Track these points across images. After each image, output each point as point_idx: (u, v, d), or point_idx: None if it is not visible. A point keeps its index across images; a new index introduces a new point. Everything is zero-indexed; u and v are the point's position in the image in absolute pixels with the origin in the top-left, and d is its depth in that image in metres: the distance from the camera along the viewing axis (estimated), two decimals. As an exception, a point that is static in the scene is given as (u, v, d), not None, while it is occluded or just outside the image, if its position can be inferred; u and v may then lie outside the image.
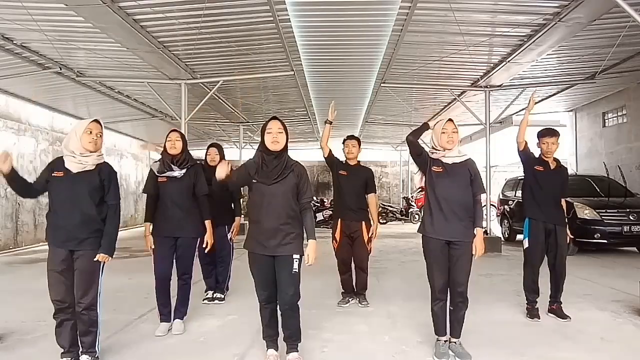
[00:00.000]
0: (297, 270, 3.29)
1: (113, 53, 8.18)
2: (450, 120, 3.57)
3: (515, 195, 11.16)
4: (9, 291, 6.27)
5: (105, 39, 7.36)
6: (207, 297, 5.32)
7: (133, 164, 18.21)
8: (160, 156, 4.37)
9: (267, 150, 3.32)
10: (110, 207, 3.39)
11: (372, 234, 5.15)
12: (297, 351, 3.42)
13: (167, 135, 4.26)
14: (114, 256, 3.41)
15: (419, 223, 3.72)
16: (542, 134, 4.65)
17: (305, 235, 3.38)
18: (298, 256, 3.30)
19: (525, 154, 4.70)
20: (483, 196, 3.86)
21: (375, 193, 5.31)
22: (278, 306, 3.41)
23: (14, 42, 7.70)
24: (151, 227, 4.19)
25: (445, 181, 3.49)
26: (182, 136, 4.27)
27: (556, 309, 4.61)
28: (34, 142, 11.77)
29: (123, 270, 7.45)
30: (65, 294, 3.29)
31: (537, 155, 4.75)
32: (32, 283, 6.64)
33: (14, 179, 3.29)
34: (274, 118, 3.41)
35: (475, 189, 3.53)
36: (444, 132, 3.54)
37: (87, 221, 3.27)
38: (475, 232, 3.48)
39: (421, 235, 3.62)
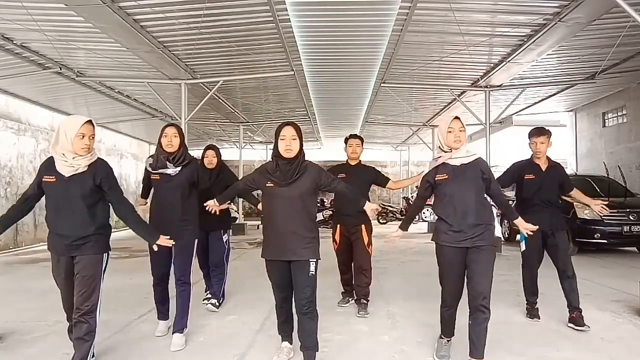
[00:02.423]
0: (313, 273, 3.25)
1: (113, 53, 8.19)
2: (456, 118, 3.37)
3: (515, 196, 11.16)
4: (9, 291, 6.27)
5: (105, 39, 7.37)
6: (207, 297, 5.31)
7: (133, 164, 18.20)
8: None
9: (281, 157, 3.27)
10: (115, 204, 3.30)
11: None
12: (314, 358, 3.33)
13: (163, 130, 3.90)
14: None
15: (433, 231, 3.54)
16: (531, 134, 4.56)
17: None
18: (315, 259, 3.27)
19: (510, 179, 4.62)
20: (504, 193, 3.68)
21: (390, 180, 5.18)
22: (295, 309, 3.37)
23: (14, 42, 7.71)
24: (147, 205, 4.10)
25: (453, 186, 3.30)
26: (180, 131, 3.92)
27: (576, 317, 4.31)
28: (34, 142, 11.78)
29: (123, 270, 7.45)
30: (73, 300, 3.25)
31: (527, 158, 4.65)
32: (32, 283, 6.64)
33: (5, 226, 3.27)
34: (288, 124, 3.30)
35: (493, 189, 3.38)
36: (450, 131, 3.31)
37: (83, 226, 3.15)
38: (516, 222, 3.45)
39: (434, 243, 3.46)
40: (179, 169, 3.86)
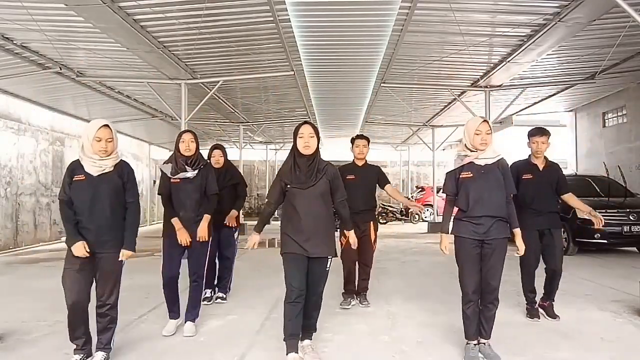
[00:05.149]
0: (328, 269, 3.52)
1: (113, 53, 8.19)
2: (485, 121, 3.50)
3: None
4: (9, 291, 6.27)
5: (105, 39, 7.37)
6: (205, 297, 5.27)
7: (133, 164, 18.13)
8: (168, 156, 4.37)
9: (299, 154, 3.47)
10: (130, 204, 3.47)
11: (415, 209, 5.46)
12: (311, 339, 3.63)
13: (180, 136, 4.23)
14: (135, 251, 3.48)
15: (452, 224, 3.63)
16: (532, 133, 4.59)
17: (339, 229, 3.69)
18: (331, 258, 3.50)
19: (516, 182, 4.51)
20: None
21: (390, 183, 5.38)
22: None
23: (14, 42, 7.70)
24: (175, 223, 4.12)
25: (477, 184, 3.44)
26: (196, 137, 4.27)
27: (547, 307, 4.56)
28: (34, 142, 11.78)
29: (123, 270, 7.43)
30: (82, 295, 3.32)
31: (525, 158, 4.67)
32: (32, 283, 6.64)
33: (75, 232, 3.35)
34: (306, 122, 3.53)
35: (507, 189, 3.51)
36: (477, 134, 3.45)
37: (110, 223, 3.34)
38: (514, 231, 3.50)
39: (454, 235, 3.57)
40: (196, 171, 4.18)
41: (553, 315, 4.51)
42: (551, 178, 4.55)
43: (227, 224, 5.28)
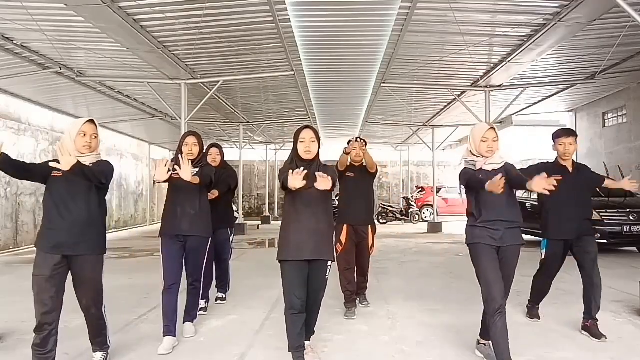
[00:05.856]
0: (327, 277, 3.45)
1: (113, 53, 8.19)
2: (492, 128, 3.42)
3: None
4: (9, 291, 6.27)
5: (105, 39, 7.37)
6: (200, 307, 4.84)
7: (133, 164, 18.21)
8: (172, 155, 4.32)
9: (300, 158, 3.42)
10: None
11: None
12: (310, 340, 3.61)
13: (184, 139, 4.16)
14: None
15: (465, 234, 3.52)
16: (557, 135, 4.26)
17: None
18: (330, 264, 3.44)
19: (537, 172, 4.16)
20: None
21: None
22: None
23: (14, 42, 7.71)
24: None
25: (486, 190, 3.34)
26: (199, 139, 4.20)
27: (590, 326, 4.06)
28: (34, 142, 11.77)
29: (123, 270, 7.45)
30: (53, 304, 3.08)
31: (551, 161, 4.38)
32: (32, 283, 6.64)
33: (5, 162, 3.02)
34: (307, 127, 3.48)
35: (520, 181, 3.33)
36: (484, 141, 3.37)
37: (84, 221, 3.15)
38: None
39: (468, 244, 3.45)
40: (196, 169, 4.11)
41: (598, 335, 3.95)
42: (583, 180, 4.29)
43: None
